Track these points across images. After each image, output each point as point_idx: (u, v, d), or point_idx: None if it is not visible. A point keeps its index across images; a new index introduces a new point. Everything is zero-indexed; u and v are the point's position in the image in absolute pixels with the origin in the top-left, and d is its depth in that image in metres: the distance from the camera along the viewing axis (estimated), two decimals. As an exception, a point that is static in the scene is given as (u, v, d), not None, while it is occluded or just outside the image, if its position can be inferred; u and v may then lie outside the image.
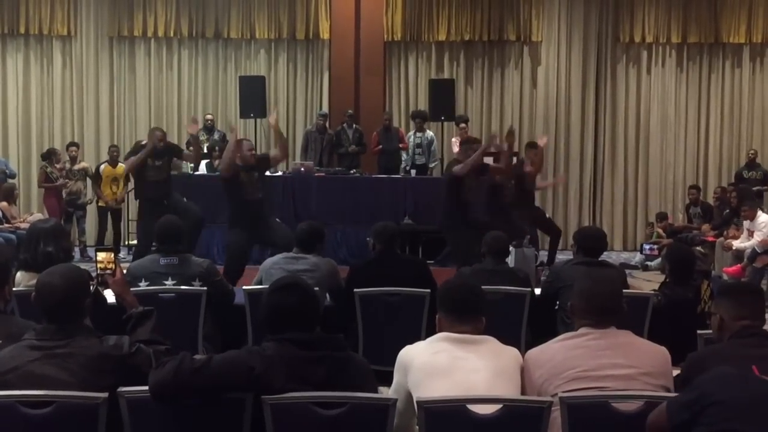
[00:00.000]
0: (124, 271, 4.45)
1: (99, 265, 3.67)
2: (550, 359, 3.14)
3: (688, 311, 5.02)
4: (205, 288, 4.97)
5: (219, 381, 2.86)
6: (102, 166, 11.96)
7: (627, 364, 3.06)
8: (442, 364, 3.09)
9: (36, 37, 13.72)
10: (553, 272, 5.50)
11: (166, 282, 5.01)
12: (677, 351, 3.42)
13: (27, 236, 5.01)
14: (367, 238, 5.82)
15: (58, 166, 11.80)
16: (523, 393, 3.14)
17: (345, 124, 12.18)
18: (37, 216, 10.81)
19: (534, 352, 3.22)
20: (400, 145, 12.17)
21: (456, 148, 11.79)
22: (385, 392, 3.17)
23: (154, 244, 5.47)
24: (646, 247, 11.98)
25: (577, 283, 3.47)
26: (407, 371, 3.13)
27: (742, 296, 3.26)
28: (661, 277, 5.84)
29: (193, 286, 5.02)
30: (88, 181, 12.13)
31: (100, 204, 12.00)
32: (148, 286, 4.96)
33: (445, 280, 3.65)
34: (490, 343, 3.19)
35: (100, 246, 7.83)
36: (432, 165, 12.27)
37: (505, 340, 3.29)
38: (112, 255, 3.69)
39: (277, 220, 8.32)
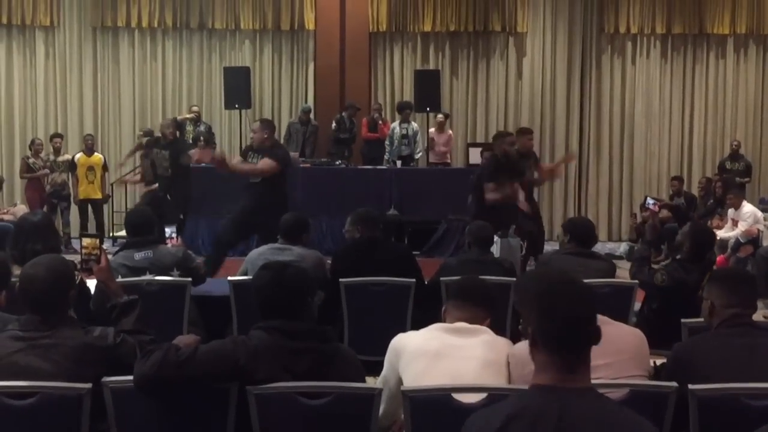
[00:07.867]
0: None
1: (84, 251, 3.60)
2: None
3: (688, 295, 4.89)
4: (189, 279, 4.95)
5: (204, 373, 2.86)
6: (77, 156, 11.84)
7: (613, 351, 3.01)
8: (434, 349, 3.10)
9: (18, 28, 13.60)
10: (541, 262, 5.50)
11: (144, 276, 4.96)
12: (670, 335, 3.42)
13: (16, 231, 4.94)
14: (344, 230, 5.77)
15: (42, 155, 11.70)
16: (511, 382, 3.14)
17: (345, 113, 12.15)
18: (21, 207, 10.72)
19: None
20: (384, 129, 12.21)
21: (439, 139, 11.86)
22: (373, 383, 3.17)
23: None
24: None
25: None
26: (399, 356, 3.14)
27: (734, 284, 3.23)
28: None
29: (171, 275, 4.98)
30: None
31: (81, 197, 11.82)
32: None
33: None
34: (485, 333, 3.18)
35: (85, 232, 7.69)
36: (417, 156, 12.27)
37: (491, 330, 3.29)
38: (98, 241, 3.61)
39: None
